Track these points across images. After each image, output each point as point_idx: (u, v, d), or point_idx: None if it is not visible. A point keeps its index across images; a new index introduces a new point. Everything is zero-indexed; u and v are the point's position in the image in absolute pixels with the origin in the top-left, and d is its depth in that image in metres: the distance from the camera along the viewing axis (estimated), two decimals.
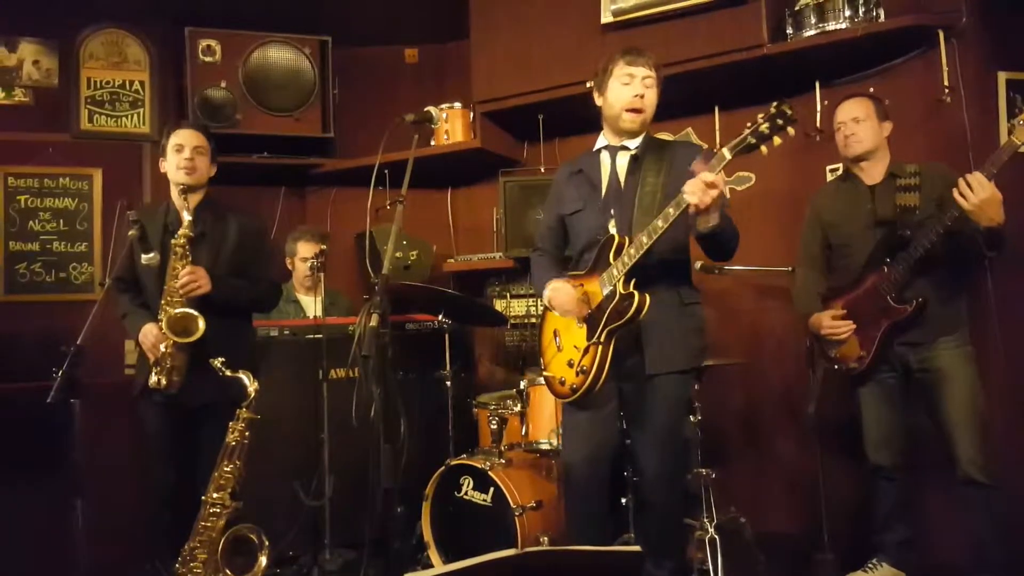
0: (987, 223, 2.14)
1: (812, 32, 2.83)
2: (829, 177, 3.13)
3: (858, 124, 2.47)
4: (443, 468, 2.74)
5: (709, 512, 2.60)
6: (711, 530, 2.55)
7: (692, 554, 2.67)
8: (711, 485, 2.66)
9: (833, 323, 2.48)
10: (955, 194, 2.14)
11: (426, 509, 2.75)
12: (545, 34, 3.29)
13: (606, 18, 3.12)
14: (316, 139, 3.70)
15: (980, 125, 2.70)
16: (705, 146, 1.89)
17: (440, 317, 3.00)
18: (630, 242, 2.02)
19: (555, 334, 2.20)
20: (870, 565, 2.52)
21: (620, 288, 1.99)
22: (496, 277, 3.73)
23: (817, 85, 3.08)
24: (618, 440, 2.25)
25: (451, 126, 3.55)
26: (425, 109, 2.29)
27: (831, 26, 2.80)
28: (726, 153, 1.82)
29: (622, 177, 2.15)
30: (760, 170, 3.34)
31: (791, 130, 1.77)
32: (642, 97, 2.10)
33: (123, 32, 3.55)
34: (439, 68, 4.08)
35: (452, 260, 3.77)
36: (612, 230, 2.10)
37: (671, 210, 1.90)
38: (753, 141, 1.78)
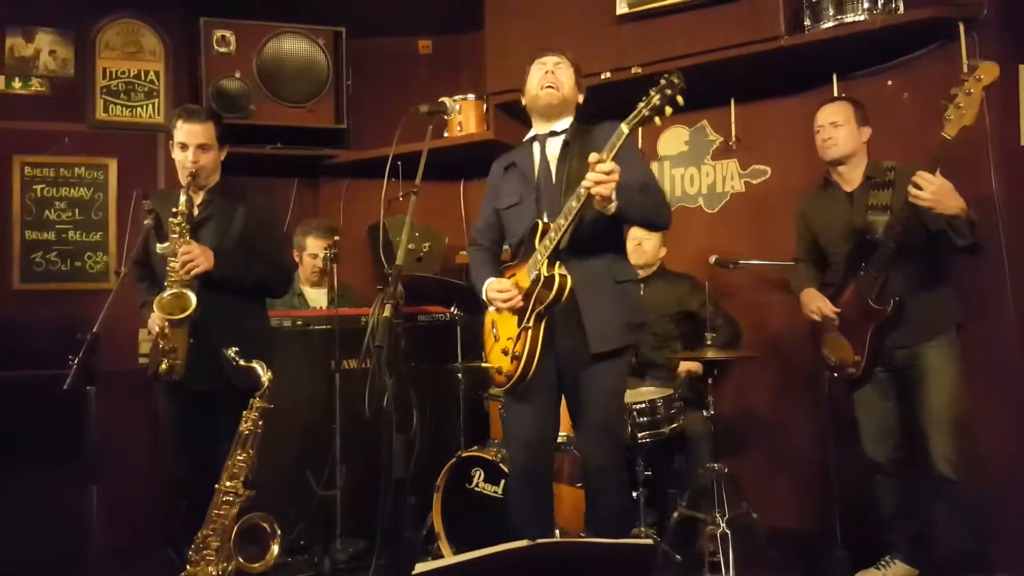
0: (951, 212, 2.19)
1: (830, 24, 2.80)
2: None
3: (836, 128, 2.50)
4: (454, 459, 2.75)
5: (721, 507, 2.60)
6: (723, 525, 2.54)
7: (703, 548, 2.67)
8: (723, 480, 2.66)
9: (816, 306, 2.51)
10: (909, 197, 2.20)
11: (437, 500, 2.76)
12: (560, 25, 3.26)
13: (621, 9, 3.09)
14: (329, 130, 3.71)
15: (1000, 119, 2.65)
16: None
17: (453, 309, 3.00)
18: None
19: (493, 324, 2.21)
20: (883, 562, 2.51)
21: (543, 271, 2.01)
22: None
23: (835, 78, 3.05)
24: (557, 431, 2.28)
25: (464, 118, 3.54)
26: (439, 100, 2.29)
27: (849, 18, 2.77)
28: (624, 128, 1.93)
29: (553, 164, 2.18)
30: (776, 164, 3.31)
31: (680, 99, 1.89)
32: (553, 74, 2.18)
33: (138, 22, 3.57)
34: (453, 59, 4.07)
35: (464, 252, 3.76)
36: (544, 218, 2.12)
37: (581, 191, 1.95)
38: (647, 114, 1.91)
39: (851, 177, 2.54)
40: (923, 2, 2.72)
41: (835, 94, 3.04)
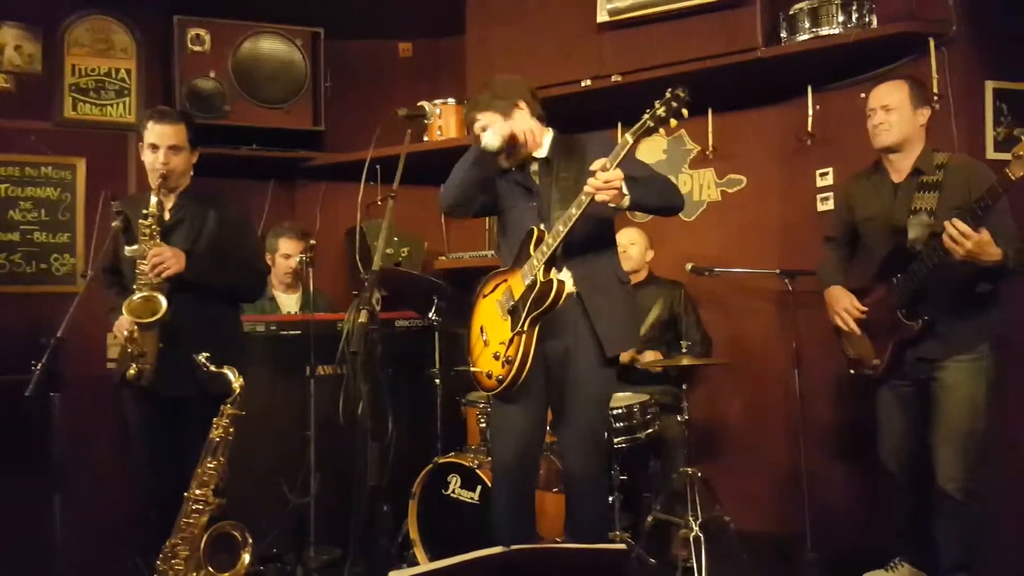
0: (984, 263, 2.10)
1: (806, 36, 2.85)
2: (819, 182, 3.15)
3: (888, 113, 2.33)
4: (431, 466, 2.73)
5: (694, 511, 2.61)
6: (696, 528, 2.56)
7: (677, 552, 2.68)
8: (697, 484, 2.68)
9: (843, 307, 2.41)
10: (945, 241, 2.09)
11: (413, 507, 2.74)
12: (541, 31, 3.27)
13: (602, 17, 3.11)
14: (306, 132, 3.67)
15: (968, 133, 2.72)
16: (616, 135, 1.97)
17: (431, 315, 2.98)
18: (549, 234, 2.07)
19: (481, 330, 2.21)
20: (892, 564, 2.49)
21: (540, 277, 2.02)
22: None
23: (809, 89, 3.10)
24: (544, 435, 2.30)
25: (444, 122, 3.54)
26: (418, 104, 2.27)
27: (824, 31, 2.82)
28: (629, 138, 1.94)
29: (537, 179, 2.21)
30: (751, 173, 3.35)
31: (685, 112, 1.91)
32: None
33: (110, 19, 3.48)
34: (433, 63, 4.06)
35: (443, 258, 3.75)
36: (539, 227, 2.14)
37: (583, 198, 1.97)
38: (652, 124, 1.94)
39: (902, 166, 2.35)
40: (895, 17, 2.78)
41: (810, 105, 3.09)
